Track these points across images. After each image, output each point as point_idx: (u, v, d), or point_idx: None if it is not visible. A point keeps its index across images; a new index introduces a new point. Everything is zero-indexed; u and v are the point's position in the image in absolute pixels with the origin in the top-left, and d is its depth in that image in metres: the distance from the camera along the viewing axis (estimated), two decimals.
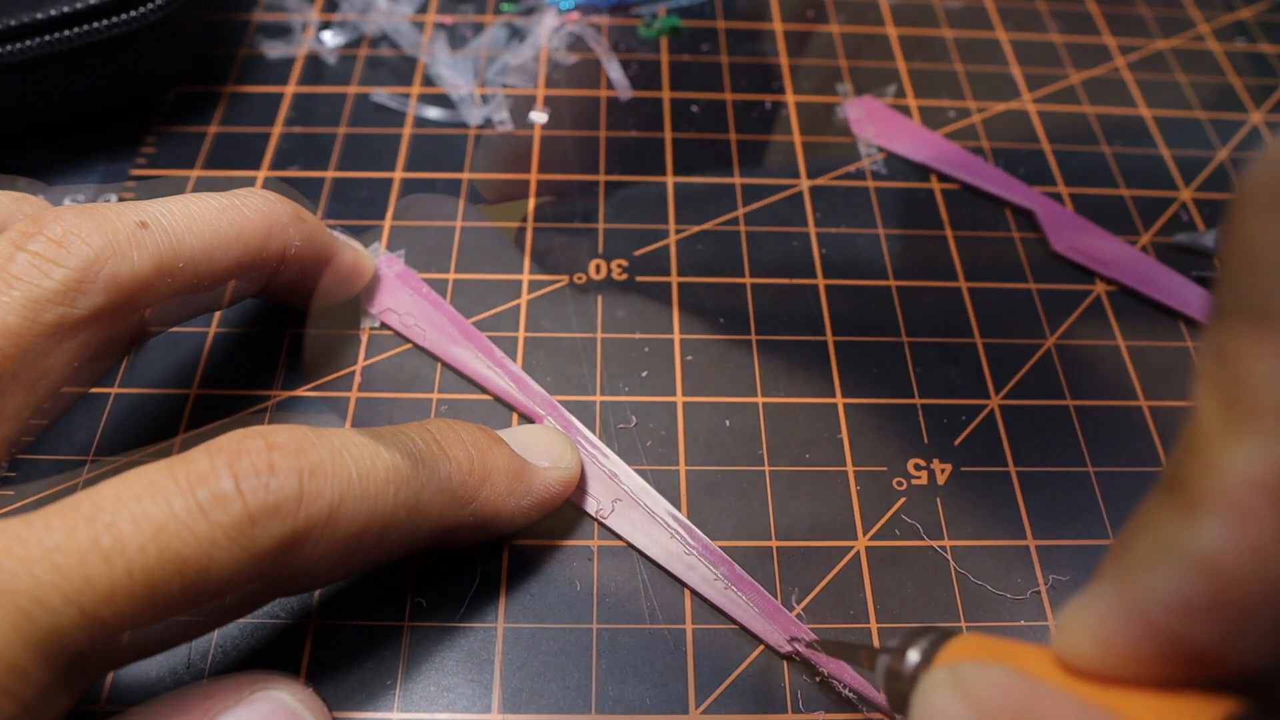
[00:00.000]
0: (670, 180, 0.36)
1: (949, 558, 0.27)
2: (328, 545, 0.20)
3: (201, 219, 0.24)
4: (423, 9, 0.42)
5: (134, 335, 0.24)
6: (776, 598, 0.26)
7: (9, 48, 0.32)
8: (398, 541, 0.22)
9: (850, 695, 0.24)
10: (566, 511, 0.27)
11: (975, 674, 0.14)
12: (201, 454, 0.19)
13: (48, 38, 0.32)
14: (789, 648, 0.25)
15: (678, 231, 0.34)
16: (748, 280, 0.33)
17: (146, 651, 0.19)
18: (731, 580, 0.26)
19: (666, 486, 0.28)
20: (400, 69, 0.40)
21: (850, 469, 0.29)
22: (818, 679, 0.24)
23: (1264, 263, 0.12)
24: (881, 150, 0.38)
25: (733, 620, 0.25)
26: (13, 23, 0.31)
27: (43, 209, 0.24)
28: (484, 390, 0.30)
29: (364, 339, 0.31)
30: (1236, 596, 0.12)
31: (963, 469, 0.29)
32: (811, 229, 0.35)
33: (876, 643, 0.25)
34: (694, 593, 0.26)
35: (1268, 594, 0.12)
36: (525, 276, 0.33)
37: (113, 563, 0.17)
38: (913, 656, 0.19)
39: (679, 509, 0.27)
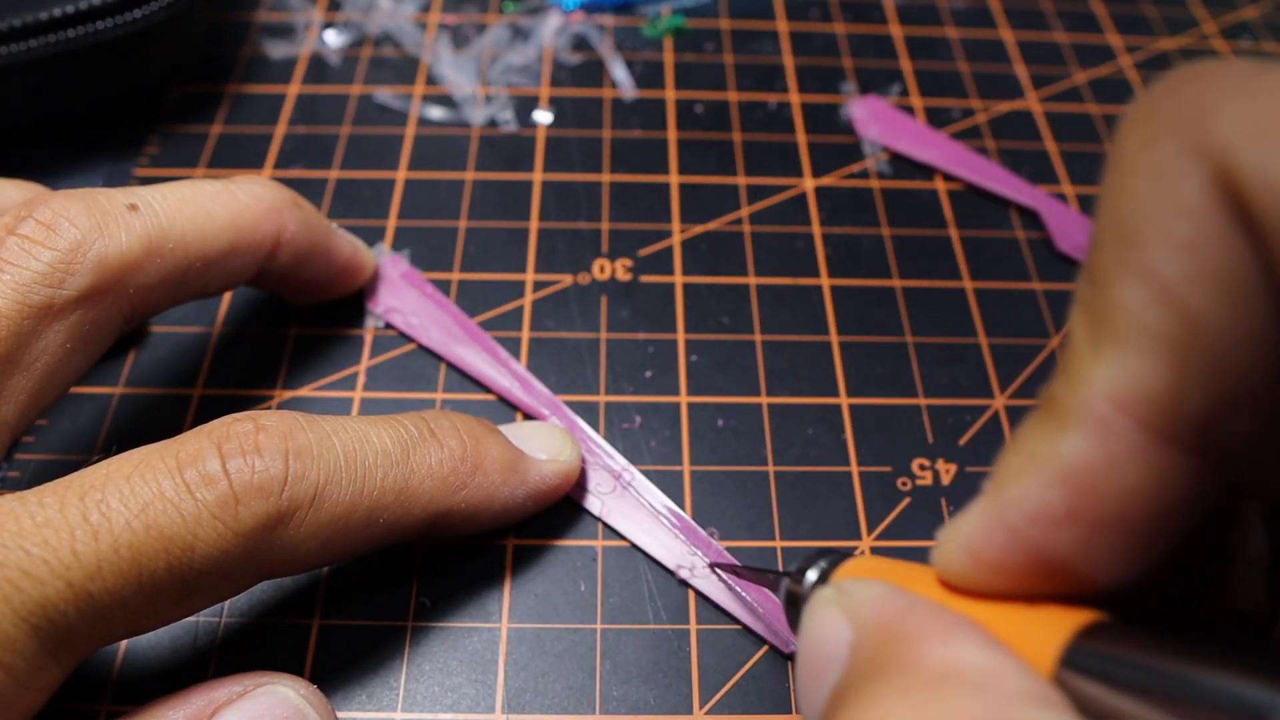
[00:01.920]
0: (674, 180, 0.36)
1: None
2: (313, 526, 0.20)
3: (194, 202, 0.24)
4: (426, 9, 0.42)
5: (127, 318, 0.24)
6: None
7: (12, 48, 0.32)
8: (387, 525, 0.22)
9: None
10: (570, 511, 0.27)
11: (857, 590, 0.15)
12: (192, 437, 0.20)
13: (51, 38, 0.32)
14: (710, 573, 0.26)
15: (682, 231, 0.34)
16: (752, 280, 0.33)
17: (137, 629, 0.19)
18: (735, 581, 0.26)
19: (670, 487, 0.28)
20: (403, 69, 0.40)
21: (855, 469, 0.28)
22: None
23: (1130, 190, 0.13)
24: (886, 150, 0.38)
25: (737, 621, 0.25)
26: (16, 23, 0.31)
27: (39, 194, 0.24)
28: (488, 390, 0.29)
29: (368, 338, 0.31)
30: (1092, 506, 0.13)
31: (968, 469, 0.29)
32: (816, 229, 0.35)
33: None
34: (698, 593, 0.26)
35: (1121, 505, 0.13)
36: (529, 276, 0.33)
37: (100, 539, 0.18)
38: (810, 577, 0.19)
39: (683, 509, 0.27)
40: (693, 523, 0.27)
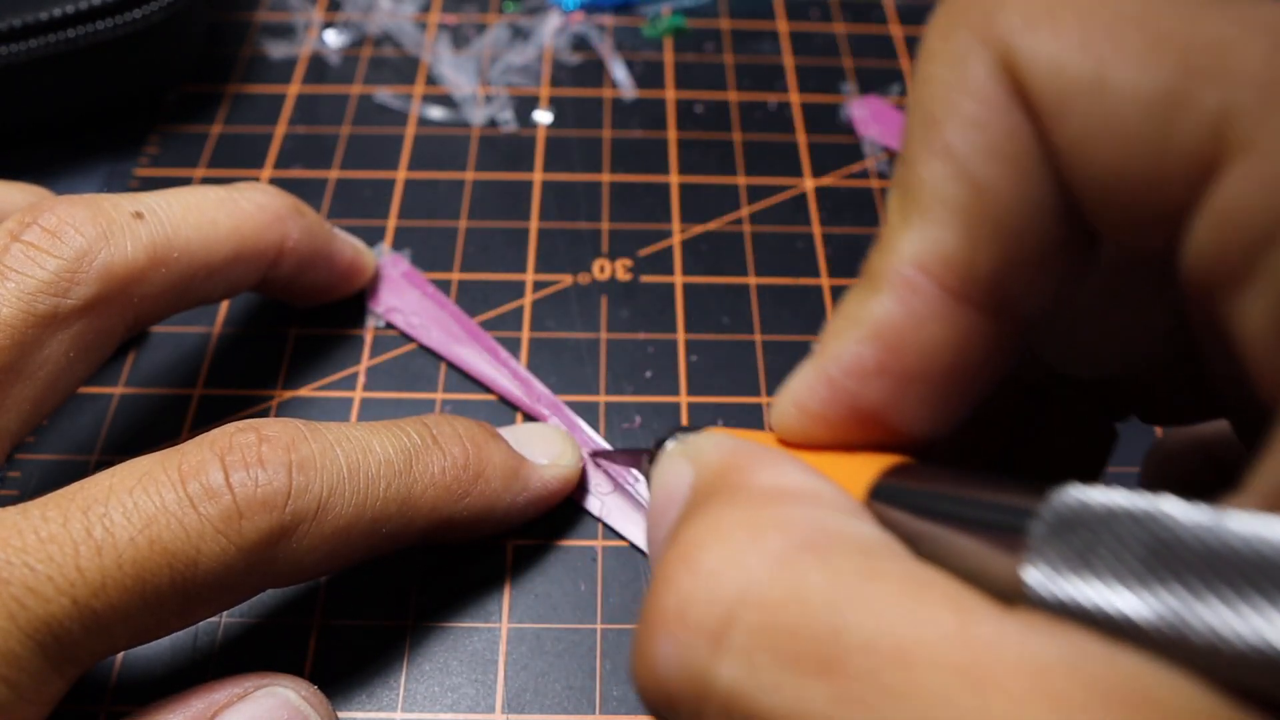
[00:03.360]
0: (674, 180, 0.36)
1: None
2: (316, 538, 0.20)
3: (198, 210, 0.24)
4: (426, 9, 0.42)
5: (130, 326, 0.24)
6: None
7: (12, 48, 0.32)
8: (390, 534, 0.22)
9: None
10: (570, 512, 0.27)
11: (699, 438, 0.16)
12: (195, 447, 0.20)
13: (51, 38, 0.32)
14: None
15: (682, 231, 0.34)
16: (752, 280, 0.33)
17: (140, 640, 0.19)
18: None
19: None
20: (403, 69, 0.40)
21: None
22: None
23: (931, 77, 0.14)
24: (886, 150, 0.37)
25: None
26: (16, 23, 0.31)
27: (42, 199, 0.24)
28: (488, 390, 0.29)
29: (368, 339, 0.31)
30: (898, 360, 0.15)
31: None
32: (816, 229, 0.35)
33: None
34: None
35: (924, 359, 0.15)
36: (530, 276, 0.33)
37: (104, 554, 0.18)
38: (669, 446, 0.20)
39: None
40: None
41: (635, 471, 0.28)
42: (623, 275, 0.33)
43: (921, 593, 0.11)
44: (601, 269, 0.33)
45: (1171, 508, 0.10)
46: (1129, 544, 0.10)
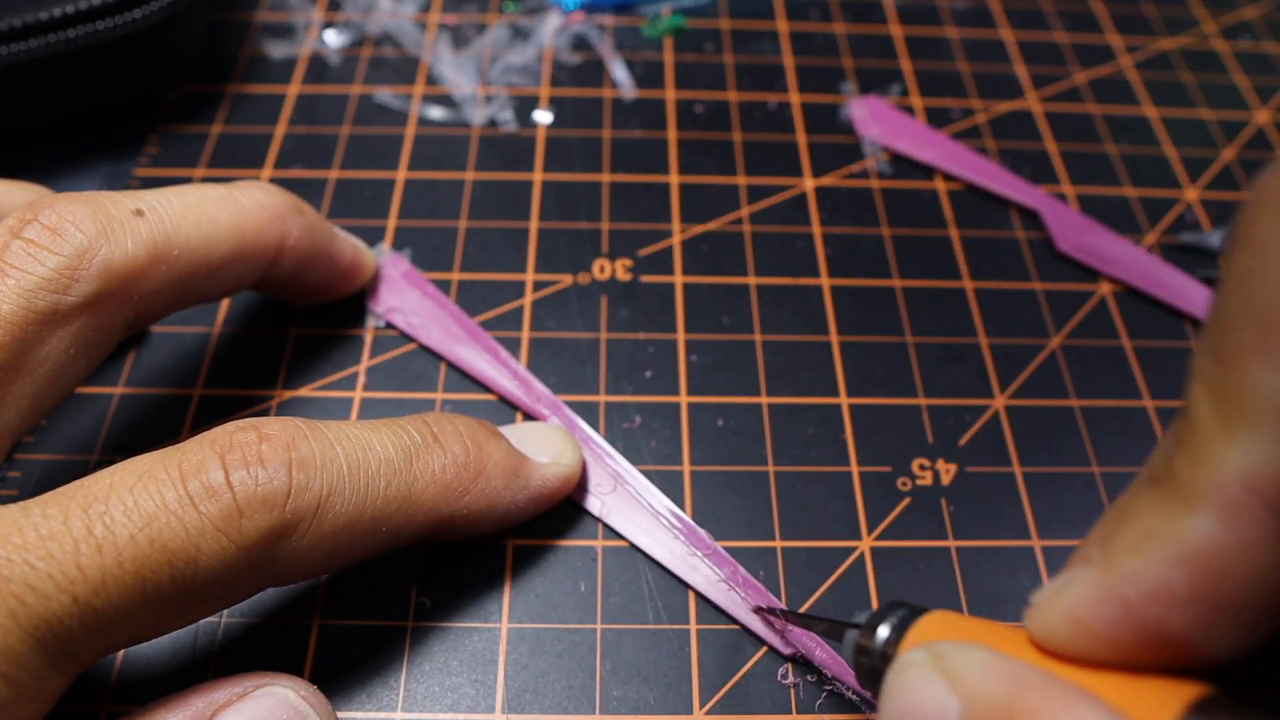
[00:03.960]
0: (674, 180, 0.36)
1: (954, 558, 0.27)
2: (316, 537, 0.20)
3: (198, 208, 0.24)
4: (426, 9, 0.42)
5: (130, 324, 0.24)
6: (781, 599, 0.26)
7: (12, 47, 0.32)
8: (390, 533, 0.22)
9: (853, 698, 0.24)
10: (570, 512, 0.27)
11: (958, 654, 0.14)
12: (195, 445, 0.20)
13: (51, 38, 0.32)
14: (767, 623, 0.25)
15: (682, 231, 0.34)
16: (752, 280, 0.33)
17: (140, 638, 0.19)
18: (735, 581, 0.26)
19: (670, 487, 0.28)
20: (403, 69, 0.40)
21: (855, 469, 0.28)
22: (823, 688, 0.24)
23: (1270, 271, 0.12)
24: (886, 150, 0.37)
25: (736, 621, 0.25)
26: (15, 22, 0.31)
27: (42, 196, 0.24)
28: (488, 390, 0.29)
29: (368, 338, 0.31)
30: (1218, 589, 0.13)
31: (968, 469, 0.29)
32: (816, 229, 0.35)
33: None
34: (698, 594, 0.26)
35: (1247, 588, 0.13)
36: (530, 276, 0.33)
37: (104, 552, 0.18)
38: (883, 632, 0.18)
39: (683, 509, 0.27)
40: (692, 523, 0.27)
41: (638, 469, 0.28)
42: (623, 275, 0.33)
43: None
44: (601, 269, 0.33)
45: None
46: None
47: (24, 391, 0.22)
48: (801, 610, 0.25)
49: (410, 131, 0.37)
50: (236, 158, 0.36)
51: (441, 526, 0.23)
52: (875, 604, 0.26)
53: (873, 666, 0.19)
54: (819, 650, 0.24)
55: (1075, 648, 0.14)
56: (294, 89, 0.38)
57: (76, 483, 0.19)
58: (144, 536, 0.18)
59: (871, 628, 0.19)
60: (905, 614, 0.19)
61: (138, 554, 0.18)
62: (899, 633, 0.18)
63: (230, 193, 0.25)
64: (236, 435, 0.20)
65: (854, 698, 0.24)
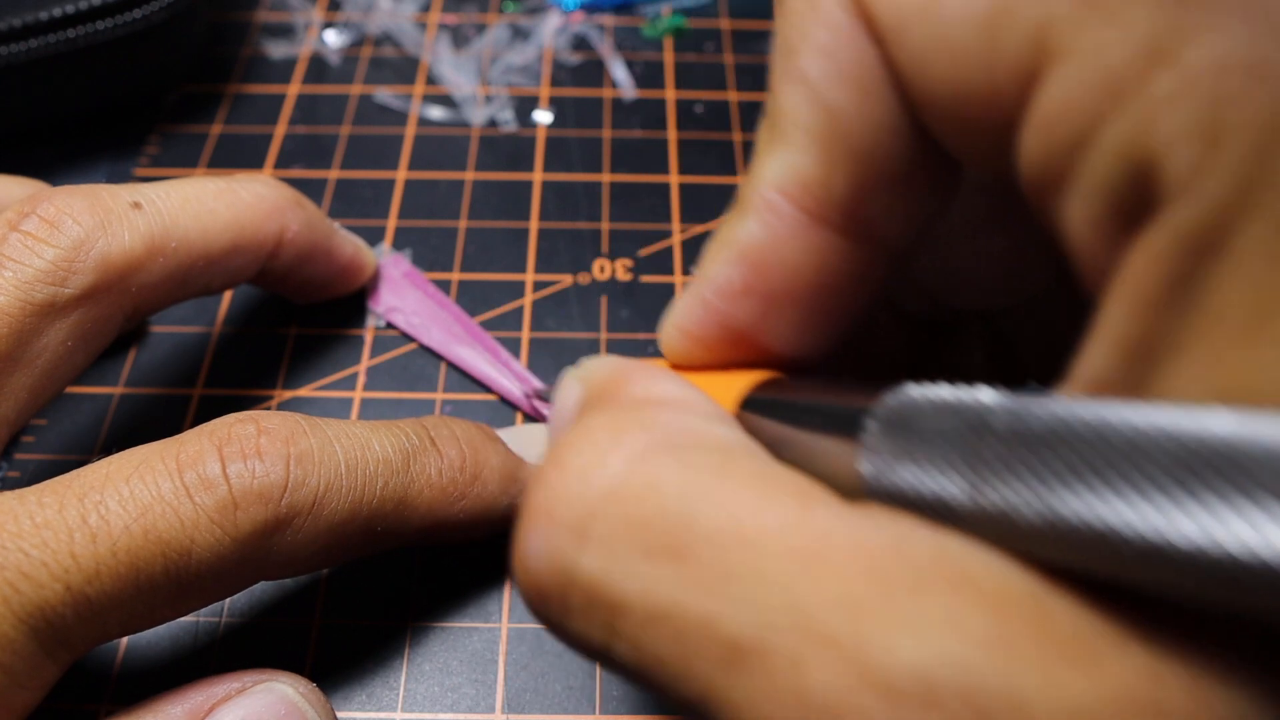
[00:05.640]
0: (675, 180, 0.36)
1: None
2: (311, 532, 0.20)
3: (197, 200, 0.25)
4: (426, 9, 0.42)
5: (128, 316, 0.24)
6: None
7: (12, 47, 0.32)
8: (386, 533, 0.22)
9: None
10: None
11: (592, 363, 0.17)
12: (194, 437, 0.20)
13: (51, 38, 0.32)
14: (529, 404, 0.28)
15: (682, 231, 0.34)
16: None
17: (132, 628, 0.19)
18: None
19: None
20: (403, 69, 0.40)
21: None
22: None
23: (790, 10, 0.15)
24: None
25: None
26: (16, 23, 0.31)
27: (40, 190, 0.24)
28: (488, 390, 0.29)
29: (369, 338, 0.31)
30: (763, 280, 0.15)
31: None
32: None
33: None
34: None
35: (786, 279, 0.15)
36: (530, 276, 0.33)
37: (98, 542, 0.18)
38: (567, 371, 0.21)
39: None
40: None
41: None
42: (623, 275, 0.33)
43: (770, 487, 0.11)
44: (601, 269, 0.33)
45: (985, 396, 0.10)
46: (948, 433, 0.10)
47: (22, 383, 0.22)
48: None
49: (410, 131, 0.37)
50: (237, 158, 0.36)
51: (438, 529, 0.23)
52: None
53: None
54: None
55: (681, 353, 0.17)
56: (294, 89, 0.38)
57: (73, 473, 0.19)
58: (138, 526, 0.18)
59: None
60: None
61: (132, 544, 0.18)
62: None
63: (229, 185, 0.26)
64: (235, 428, 0.20)
65: None
